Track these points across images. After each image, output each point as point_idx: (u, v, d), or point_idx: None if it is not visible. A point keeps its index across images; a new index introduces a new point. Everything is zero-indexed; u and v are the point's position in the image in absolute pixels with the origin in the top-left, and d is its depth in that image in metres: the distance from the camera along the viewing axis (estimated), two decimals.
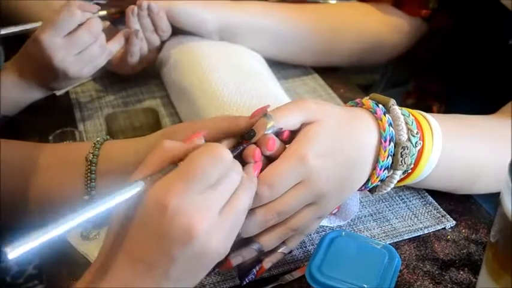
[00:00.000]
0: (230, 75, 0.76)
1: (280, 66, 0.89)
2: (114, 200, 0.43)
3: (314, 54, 0.91)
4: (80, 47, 0.74)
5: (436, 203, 0.66)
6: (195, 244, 0.43)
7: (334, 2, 1.44)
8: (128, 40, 0.81)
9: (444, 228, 0.63)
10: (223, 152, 0.45)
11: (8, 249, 0.39)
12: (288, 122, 0.52)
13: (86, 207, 0.43)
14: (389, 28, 0.91)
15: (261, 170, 0.50)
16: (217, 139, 0.53)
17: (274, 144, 0.51)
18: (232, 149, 0.50)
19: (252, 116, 0.52)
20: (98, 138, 0.60)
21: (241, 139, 0.51)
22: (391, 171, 0.56)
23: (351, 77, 0.94)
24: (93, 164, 0.58)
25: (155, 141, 0.57)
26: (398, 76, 1.14)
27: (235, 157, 0.48)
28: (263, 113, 0.52)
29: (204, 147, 0.46)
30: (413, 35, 0.92)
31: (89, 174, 0.57)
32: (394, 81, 1.17)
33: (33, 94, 0.78)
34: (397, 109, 0.56)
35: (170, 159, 0.46)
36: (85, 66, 0.76)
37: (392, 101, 0.57)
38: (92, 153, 0.58)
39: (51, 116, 0.83)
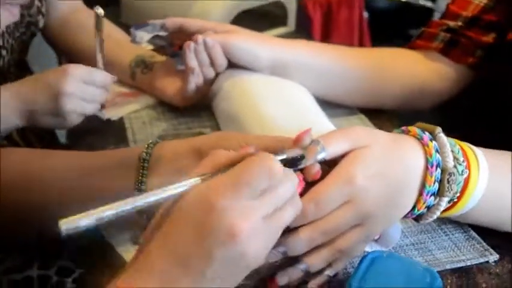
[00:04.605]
0: (282, 107, 0.78)
1: (326, 105, 0.91)
2: (168, 192, 0.45)
3: (361, 95, 0.93)
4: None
5: (479, 237, 0.66)
6: (235, 246, 0.43)
7: None
8: (185, 76, 0.85)
9: (487, 261, 0.63)
10: (275, 164, 0.46)
11: (62, 222, 0.41)
12: (336, 150, 0.54)
13: (139, 195, 0.44)
14: (435, 75, 0.92)
15: (302, 192, 0.51)
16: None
17: (319, 175, 0.53)
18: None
19: (297, 139, 0.53)
20: (151, 141, 0.62)
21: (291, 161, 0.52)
22: (437, 199, 0.56)
23: (395, 120, 0.95)
24: (146, 162, 0.59)
25: (208, 142, 0.58)
26: (442, 123, 1.15)
27: None
28: (309, 138, 0.53)
29: (258, 156, 0.47)
30: (460, 82, 0.93)
31: (141, 171, 0.59)
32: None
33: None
34: (443, 137, 0.57)
35: (222, 165, 0.47)
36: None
37: (439, 129, 0.58)
38: (145, 152, 0.60)
39: (104, 138, 0.87)
